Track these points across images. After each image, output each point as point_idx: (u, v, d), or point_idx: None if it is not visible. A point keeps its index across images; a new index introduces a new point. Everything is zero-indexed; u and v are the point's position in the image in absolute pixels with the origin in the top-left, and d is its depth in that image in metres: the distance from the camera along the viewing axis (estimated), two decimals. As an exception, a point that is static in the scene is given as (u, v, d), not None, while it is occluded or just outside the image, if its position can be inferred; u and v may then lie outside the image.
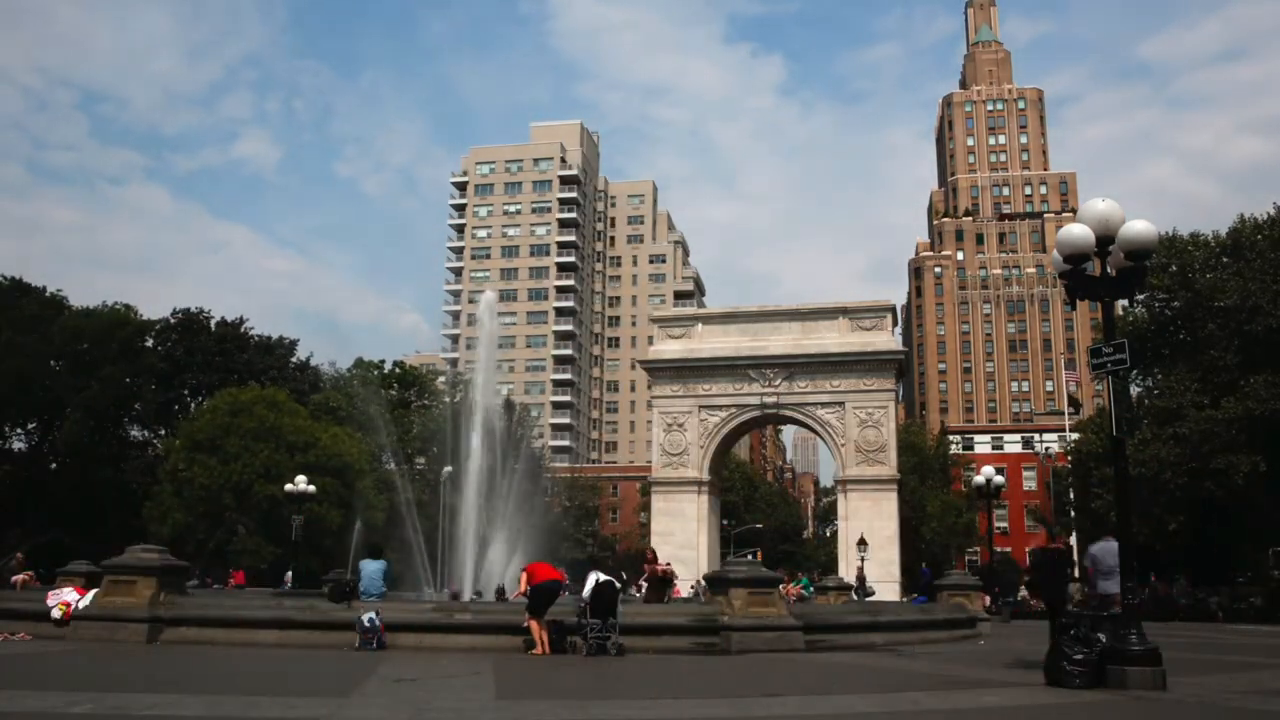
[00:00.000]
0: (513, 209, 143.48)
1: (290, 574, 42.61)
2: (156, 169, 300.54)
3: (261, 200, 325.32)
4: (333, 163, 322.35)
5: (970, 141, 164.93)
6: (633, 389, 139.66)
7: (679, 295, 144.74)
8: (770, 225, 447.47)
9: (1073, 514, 67.62)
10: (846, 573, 51.04)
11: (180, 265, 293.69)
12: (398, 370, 77.83)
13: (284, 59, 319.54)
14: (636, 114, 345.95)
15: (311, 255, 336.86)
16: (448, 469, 42.97)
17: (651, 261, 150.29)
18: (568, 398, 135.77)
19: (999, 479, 37.52)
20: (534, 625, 16.33)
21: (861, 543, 53.69)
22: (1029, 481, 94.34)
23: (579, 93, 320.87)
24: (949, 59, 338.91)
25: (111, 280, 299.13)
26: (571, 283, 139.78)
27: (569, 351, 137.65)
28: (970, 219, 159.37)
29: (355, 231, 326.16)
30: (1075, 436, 64.30)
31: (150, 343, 65.33)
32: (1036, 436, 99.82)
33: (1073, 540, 66.82)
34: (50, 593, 19.16)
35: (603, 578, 16.80)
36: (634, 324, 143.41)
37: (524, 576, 17.36)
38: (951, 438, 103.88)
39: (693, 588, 43.50)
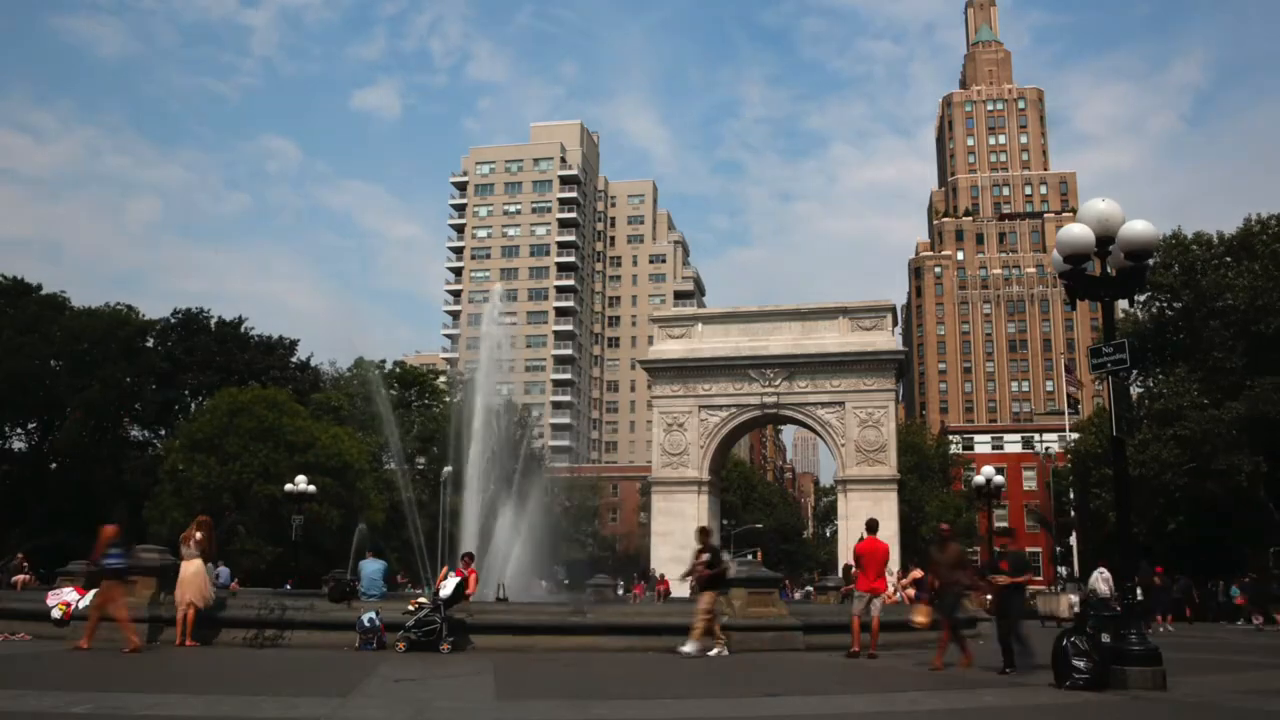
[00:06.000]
0: (513, 209, 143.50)
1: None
2: (279, 118, 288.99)
3: (382, 156, 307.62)
4: (462, 118, 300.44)
5: (970, 141, 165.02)
6: (633, 389, 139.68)
7: (679, 295, 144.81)
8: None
9: (1073, 514, 67.60)
10: (846, 573, 51.03)
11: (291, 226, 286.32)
12: (398, 370, 77.91)
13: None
14: (837, 48, 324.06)
15: (430, 226, 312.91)
16: (448, 469, 42.94)
17: (651, 261, 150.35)
18: (568, 398, 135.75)
19: (999, 479, 37.48)
20: None
21: (861, 543, 53.64)
22: (1029, 481, 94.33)
23: (765, 20, 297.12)
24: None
25: (202, 254, 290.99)
26: (571, 283, 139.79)
27: (569, 351, 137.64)
28: (970, 219, 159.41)
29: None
30: (1075, 437, 64.25)
31: (150, 343, 65.31)
32: (1036, 436, 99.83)
33: (1073, 540, 66.79)
34: (50, 593, 19.14)
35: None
36: (634, 324, 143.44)
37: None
38: (951, 438, 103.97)
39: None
